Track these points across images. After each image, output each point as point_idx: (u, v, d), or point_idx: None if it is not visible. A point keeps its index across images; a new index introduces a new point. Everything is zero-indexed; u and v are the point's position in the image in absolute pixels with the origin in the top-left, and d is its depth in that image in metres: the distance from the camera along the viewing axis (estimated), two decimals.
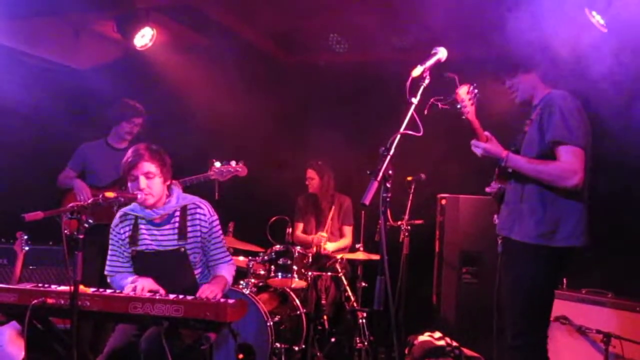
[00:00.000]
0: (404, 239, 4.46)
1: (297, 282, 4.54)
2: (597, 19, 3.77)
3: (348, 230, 5.21)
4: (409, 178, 4.52)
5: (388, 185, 2.26)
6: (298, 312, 4.45)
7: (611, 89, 3.63)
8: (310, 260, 4.74)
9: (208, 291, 2.84)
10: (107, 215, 3.66)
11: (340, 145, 5.30)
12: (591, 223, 2.86)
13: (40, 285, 2.91)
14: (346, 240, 5.17)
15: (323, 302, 4.78)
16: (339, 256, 4.89)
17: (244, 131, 5.55)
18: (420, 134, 2.35)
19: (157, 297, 2.68)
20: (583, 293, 3.90)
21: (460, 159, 3.22)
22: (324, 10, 4.89)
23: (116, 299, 2.70)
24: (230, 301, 2.63)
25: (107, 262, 3.14)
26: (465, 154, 2.96)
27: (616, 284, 3.92)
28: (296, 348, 4.36)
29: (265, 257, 4.61)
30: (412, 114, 2.35)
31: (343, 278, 4.80)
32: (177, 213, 3.09)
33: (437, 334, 4.27)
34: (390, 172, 2.26)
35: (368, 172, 2.25)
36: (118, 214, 3.15)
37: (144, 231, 3.08)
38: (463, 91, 2.72)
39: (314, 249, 4.87)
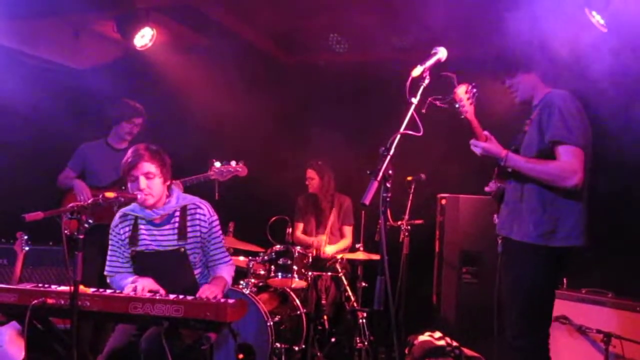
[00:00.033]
0: (404, 238, 4.46)
1: (297, 282, 4.54)
2: (597, 18, 3.77)
3: (348, 230, 5.21)
4: (409, 178, 4.52)
5: (388, 185, 2.26)
6: (298, 312, 4.45)
7: (611, 88, 3.63)
8: (310, 260, 4.74)
9: (208, 291, 2.84)
10: (107, 216, 3.66)
11: (340, 145, 5.30)
12: (591, 223, 2.86)
13: (40, 285, 2.91)
14: (346, 241, 5.17)
15: (323, 302, 4.78)
16: (339, 256, 4.90)
17: (244, 131, 5.55)
18: (420, 134, 2.35)
19: (157, 297, 2.68)
20: (583, 293, 3.90)
21: (460, 159, 3.23)
22: (324, 10, 4.89)
23: (116, 299, 2.70)
24: (231, 301, 2.63)
25: (107, 263, 3.14)
26: (466, 154, 2.96)
27: (616, 284, 3.92)
28: (296, 348, 4.36)
29: (266, 257, 4.61)
30: (412, 114, 2.35)
31: (343, 278, 4.80)
32: (177, 213, 3.09)
33: (437, 334, 4.26)
34: (390, 172, 2.26)
35: (368, 172, 2.25)
36: (118, 214, 3.15)
37: (143, 231, 3.08)
38: (461, 90, 2.72)
39: (314, 251, 4.87)
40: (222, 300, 2.68)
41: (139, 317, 2.64)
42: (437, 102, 2.46)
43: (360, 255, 4.81)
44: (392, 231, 4.40)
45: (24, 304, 2.67)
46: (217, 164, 4.18)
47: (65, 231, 3.60)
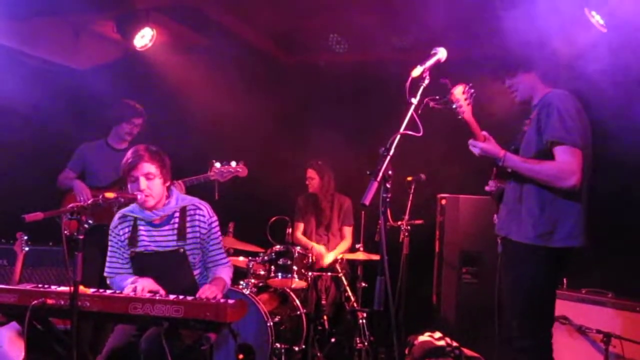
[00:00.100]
0: (404, 239, 4.46)
1: (297, 283, 4.54)
2: (596, 18, 3.77)
3: (348, 230, 5.21)
4: (409, 178, 4.52)
5: (388, 185, 2.26)
6: (298, 313, 4.45)
7: (611, 88, 3.63)
8: (310, 260, 4.74)
9: (208, 291, 2.84)
10: (107, 216, 3.66)
11: (340, 145, 5.30)
12: (591, 223, 2.86)
13: (40, 285, 2.91)
14: (346, 243, 5.15)
15: (323, 302, 4.78)
16: (339, 256, 4.90)
17: (244, 131, 5.55)
18: (420, 134, 2.35)
19: (157, 298, 2.68)
20: (583, 293, 3.90)
21: (460, 159, 3.23)
22: (324, 11, 4.89)
23: (116, 300, 2.70)
24: (230, 301, 2.63)
25: (107, 264, 3.14)
26: (465, 154, 2.96)
27: (616, 284, 3.92)
28: (296, 348, 4.36)
29: (265, 258, 4.61)
30: (412, 114, 2.35)
31: (343, 278, 4.80)
32: (177, 214, 3.09)
33: (437, 334, 4.26)
34: (390, 172, 2.26)
35: (368, 173, 2.25)
36: (117, 216, 3.15)
37: (143, 232, 3.08)
38: (458, 91, 2.72)
39: (313, 258, 4.86)
40: (222, 300, 2.68)
41: (139, 318, 2.64)
42: (432, 104, 2.45)
43: (360, 256, 4.81)
44: (392, 231, 4.40)
45: (23, 304, 2.67)
46: (217, 165, 4.18)
47: (65, 232, 3.60)
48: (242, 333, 3.79)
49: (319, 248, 5.00)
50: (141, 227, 3.08)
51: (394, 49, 5.24)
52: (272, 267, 4.56)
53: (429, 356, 4.10)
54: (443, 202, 4.91)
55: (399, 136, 2.30)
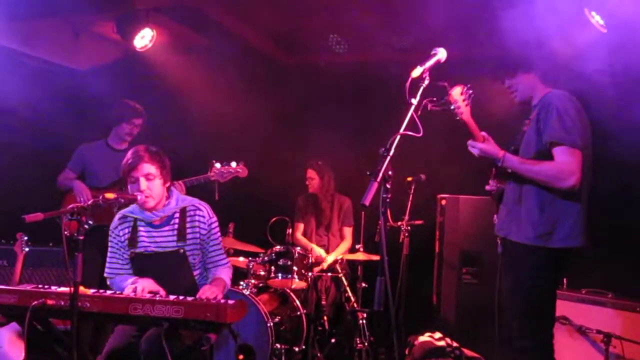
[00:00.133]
0: (404, 239, 4.46)
1: (297, 283, 4.54)
2: (596, 19, 3.77)
3: (348, 231, 5.20)
4: (409, 178, 4.52)
5: (388, 186, 2.26)
6: (298, 313, 4.45)
7: (611, 88, 3.63)
8: (310, 261, 4.74)
9: (208, 292, 2.84)
10: (107, 216, 3.66)
11: (340, 145, 5.30)
12: (591, 223, 2.86)
13: (40, 286, 2.91)
14: (346, 244, 5.15)
15: (323, 302, 4.78)
16: (339, 257, 4.89)
17: (244, 132, 5.55)
18: (420, 134, 2.36)
19: (157, 298, 2.68)
20: (583, 293, 3.90)
21: (460, 159, 3.23)
22: (324, 11, 4.89)
23: (116, 300, 2.70)
24: (231, 302, 2.63)
25: (107, 264, 3.14)
26: (465, 155, 2.96)
27: (616, 284, 3.92)
28: (296, 349, 4.36)
29: (266, 258, 4.61)
30: (412, 115, 2.35)
31: (343, 279, 4.80)
32: (177, 215, 3.09)
33: (438, 335, 4.27)
34: (390, 172, 2.26)
35: (368, 173, 2.25)
36: (117, 216, 3.15)
37: (142, 233, 3.08)
38: (456, 92, 2.71)
39: (314, 259, 4.86)
40: (222, 301, 2.68)
41: (139, 318, 2.64)
42: (430, 105, 2.45)
43: (360, 256, 4.81)
44: (392, 232, 4.40)
45: (24, 305, 2.67)
46: (218, 165, 4.18)
47: (65, 232, 3.60)
48: (242, 333, 3.79)
49: (319, 250, 5.00)
50: (141, 228, 3.08)
51: (393, 50, 5.24)
52: (272, 267, 4.56)
53: (429, 356, 4.10)
54: (443, 202, 4.91)
55: (398, 136, 2.30)
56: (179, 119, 5.69)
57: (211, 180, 4.16)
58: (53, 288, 2.83)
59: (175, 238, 3.06)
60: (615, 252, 4.15)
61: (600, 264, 4.01)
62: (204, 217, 3.09)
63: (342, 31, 5.36)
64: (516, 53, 2.91)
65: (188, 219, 3.08)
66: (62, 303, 2.67)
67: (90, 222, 4.13)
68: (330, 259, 4.93)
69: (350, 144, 5.34)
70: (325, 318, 4.76)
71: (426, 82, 2.42)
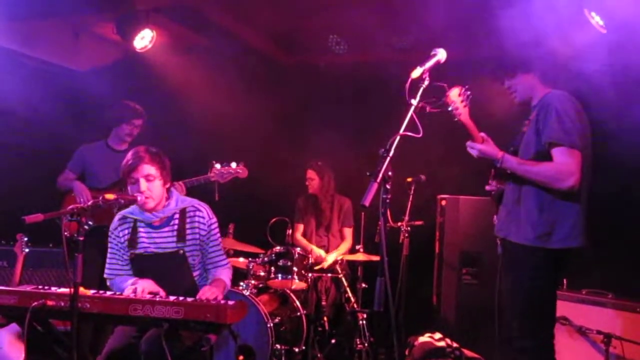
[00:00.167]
0: (404, 240, 4.46)
1: (297, 284, 4.54)
2: (596, 19, 3.77)
3: (348, 232, 5.20)
4: (409, 179, 4.52)
5: (388, 186, 2.26)
6: (298, 314, 4.45)
7: (611, 88, 3.63)
8: (310, 262, 4.74)
9: (209, 292, 2.84)
10: (107, 217, 3.66)
11: (340, 146, 5.30)
12: (591, 223, 2.86)
13: (40, 287, 2.91)
14: (346, 244, 5.15)
15: (323, 303, 4.78)
16: (339, 258, 4.89)
17: (244, 132, 5.55)
18: (420, 135, 2.36)
19: (157, 299, 2.68)
20: (583, 294, 3.90)
21: (460, 160, 3.23)
22: (324, 11, 4.89)
23: (116, 301, 2.70)
24: (231, 303, 2.63)
25: (107, 265, 3.14)
26: (465, 155, 2.96)
27: (616, 285, 3.92)
28: (296, 349, 4.36)
29: (266, 259, 4.62)
30: (412, 116, 2.36)
31: (343, 279, 4.80)
32: (176, 216, 3.09)
33: (438, 335, 4.27)
34: (390, 173, 2.26)
35: (368, 174, 2.25)
36: (117, 217, 3.15)
37: (142, 234, 3.08)
38: (454, 94, 2.71)
39: (313, 260, 4.86)
40: (222, 301, 2.68)
41: (139, 319, 2.64)
42: (428, 107, 2.45)
43: (360, 257, 4.81)
44: (392, 232, 4.40)
45: (24, 305, 2.67)
46: (218, 166, 4.18)
47: (65, 233, 3.59)
48: (242, 334, 3.79)
49: (319, 251, 5.00)
50: (141, 229, 3.08)
51: (393, 50, 5.24)
52: (272, 268, 4.56)
53: (429, 357, 4.10)
54: (443, 203, 4.91)
55: (398, 137, 2.31)
56: (179, 119, 5.69)
57: (211, 181, 4.16)
58: (53, 289, 2.83)
59: (175, 239, 3.06)
60: (615, 252, 4.15)
61: (600, 265, 4.01)
62: (203, 218, 3.09)
63: (342, 31, 5.36)
64: (515, 53, 2.91)
65: (188, 220, 3.08)
66: (62, 304, 2.67)
67: (90, 222, 4.13)
68: (330, 258, 4.93)
69: (350, 144, 5.34)
70: (325, 319, 4.76)
71: (426, 82, 2.42)
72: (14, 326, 3.68)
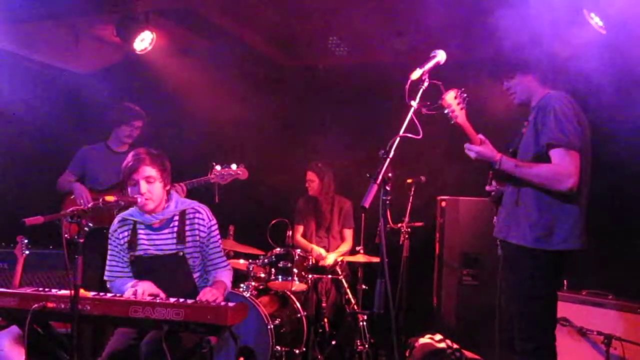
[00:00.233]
0: (404, 241, 4.46)
1: (297, 285, 4.54)
2: (595, 20, 3.77)
3: (349, 233, 5.21)
4: (409, 180, 4.53)
5: (388, 188, 2.26)
6: (298, 315, 4.45)
7: (611, 89, 3.63)
8: (310, 263, 4.74)
9: (209, 294, 2.84)
10: (107, 219, 3.66)
11: (340, 147, 5.30)
12: (591, 224, 2.86)
13: (40, 289, 2.92)
14: (347, 245, 5.15)
15: (323, 304, 4.78)
16: (339, 259, 4.90)
17: (244, 134, 5.56)
18: (420, 136, 2.36)
19: (158, 301, 2.68)
20: (584, 294, 3.90)
21: (460, 161, 3.24)
22: (324, 13, 4.90)
23: (117, 303, 2.70)
24: (231, 304, 2.63)
25: (107, 267, 3.14)
26: (465, 156, 2.96)
27: (617, 285, 3.92)
28: (297, 351, 4.36)
29: (266, 260, 4.62)
30: (412, 117, 2.36)
31: (343, 281, 4.80)
32: (176, 218, 3.09)
33: (438, 337, 4.26)
34: (389, 174, 2.26)
35: (368, 175, 2.25)
36: (116, 219, 3.15)
37: (142, 236, 3.08)
38: (450, 96, 2.71)
39: (313, 260, 4.86)
40: (223, 303, 2.68)
41: (140, 321, 2.64)
42: (424, 110, 2.45)
43: (360, 258, 4.80)
44: (392, 234, 4.41)
45: (24, 308, 2.67)
46: (218, 167, 4.18)
47: (66, 235, 3.61)
48: (243, 336, 3.79)
49: (319, 249, 5.01)
50: (141, 231, 3.08)
51: (393, 52, 5.25)
52: (273, 269, 4.56)
53: (429, 358, 4.10)
54: (443, 204, 4.91)
55: (398, 139, 2.31)
56: (179, 121, 5.70)
57: (211, 183, 4.16)
58: (53, 291, 2.83)
59: (174, 241, 3.06)
60: (615, 253, 4.16)
61: (600, 265, 4.01)
62: (203, 220, 3.09)
63: (342, 33, 5.37)
64: (514, 55, 2.91)
65: (187, 222, 3.08)
66: (63, 306, 2.67)
67: (90, 224, 4.13)
68: (331, 257, 4.94)
69: (350, 145, 5.34)
70: (325, 320, 4.76)
71: (425, 84, 2.43)
72: (14, 328, 3.68)
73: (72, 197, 4.33)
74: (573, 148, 2.71)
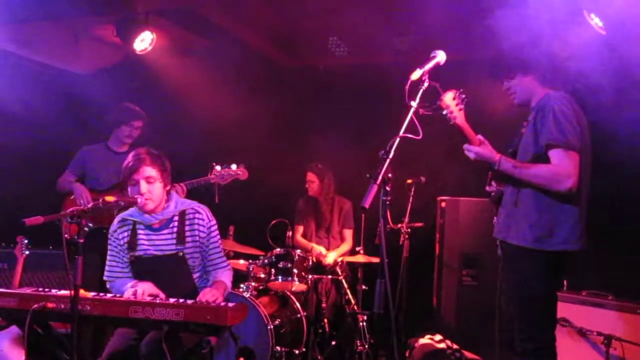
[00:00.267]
0: (404, 241, 4.46)
1: (297, 286, 4.54)
2: (595, 21, 3.77)
3: (349, 233, 5.21)
4: (409, 181, 4.53)
5: (388, 188, 2.26)
6: (298, 316, 4.45)
7: (611, 90, 3.63)
8: (310, 263, 4.74)
9: (209, 294, 2.84)
10: (107, 219, 3.66)
11: (340, 148, 5.30)
12: (591, 224, 2.86)
13: (40, 289, 2.92)
14: (347, 245, 5.15)
15: (323, 305, 4.78)
16: (339, 259, 4.90)
17: (245, 134, 5.56)
18: (420, 137, 2.36)
19: (157, 301, 2.68)
20: (583, 295, 3.90)
21: (460, 161, 3.24)
22: (324, 13, 4.90)
23: (116, 303, 2.70)
24: (231, 305, 2.63)
25: (106, 268, 3.14)
26: (465, 157, 2.96)
27: (617, 286, 3.93)
28: (297, 351, 4.36)
29: (266, 261, 4.62)
30: (412, 117, 2.36)
31: (343, 281, 4.80)
32: (176, 218, 3.09)
33: (438, 337, 4.26)
34: (389, 175, 2.26)
35: (368, 176, 2.25)
36: (116, 219, 3.15)
37: (142, 236, 3.08)
38: (448, 97, 2.71)
39: (314, 258, 4.86)
40: (223, 303, 2.68)
41: (139, 321, 2.64)
42: (422, 111, 2.45)
43: (360, 259, 4.81)
44: (392, 234, 4.41)
45: (24, 308, 2.67)
46: (218, 168, 4.18)
47: (66, 235, 3.60)
48: (243, 336, 3.79)
49: (319, 248, 5.02)
50: (140, 231, 3.08)
51: (393, 52, 5.25)
52: (273, 270, 4.56)
53: (429, 359, 4.10)
54: (443, 204, 4.91)
55: (398, 139, 2.31)
56: (179, 121, 5.70)
57: (211, 183, 4.16)
58: (53, 291, 2.83)
59: (174, 241, 3.06)
60: (615, 253, 4.15)
61: (600, 266, 4.01)
62: (203, 220, 3.09)
63: (342, 33, 5.37)
64: (514, 55, 2.91)
65: (187, 222, 3.08)
66: (63, 306, 2.68)
67: (90, 224, 4.13)
68: (331, 256, 4.94)
69: (350, 146, 5.34)
70: (325, 320, 4.76)
71: (425, 84, 2.43)
72: (14, 329, 3.68)
73: (72, 197, 4.33)
74: (572, 148, 2.71)
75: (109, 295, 2.85)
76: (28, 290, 2.87)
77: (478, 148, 2.82)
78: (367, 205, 2.21)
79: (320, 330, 4.71)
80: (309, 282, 4.64)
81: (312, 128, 5.51)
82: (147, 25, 5.03)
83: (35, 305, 2.66)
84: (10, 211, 3.83)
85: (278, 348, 4.16)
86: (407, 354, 4.25)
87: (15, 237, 4.07)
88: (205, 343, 2.73)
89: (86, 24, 5.38)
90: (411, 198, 4.49)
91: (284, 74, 6.09)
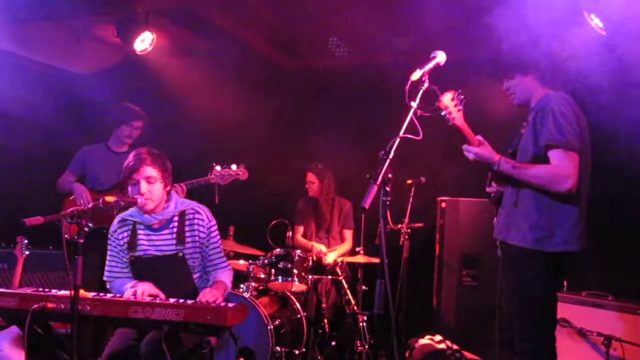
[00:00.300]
0: (404, 242, 4.46)
1: (297, 286, 4.54)
2: (595, 21, 3.77)
3: (349, 234, 5.21)
4: (409, 181, 4.53)
5: (388, 188, 2.26)
6: (298, 316, 4.45)
7: (610, 90, 3.63)
8: (310, 264, 4.74)
9: (209, 295, 2.84)
10: (107, 219, 3.66)
11: (340, 148, 5.30)
12: (591, 225, 2.86)
13: (40, 289, 2.92)
14: (347, 245, 5.16)
15: (323, 305, 4.78)
16: (339, 259, 4.90)
17: (245, 134, 5.56)
18: (420, 137, 2.36)
19: (157, 302, 2.68)
20: (583, 295, 3.90)
21: (460, 162, 3.24)
22: (324, 14, 4.90)
23: (116, 303, 2.70)
24: (231, 305, 2.63)
25: (106, 268, 3.14)
26: (465, 157, 2.96)
27: (616, 286, 3.92)
28: (297, 352, 4.36)
29: (266, 261, 4.62)
30: (412, 118, 2.36)
31: (343, 281, 4.80)
32: (176, 218, 3.09)
33: (438, 337, 4.26)
34: (389, 175, 2.26)
35: (368, 176, 2.26)
36: (116, 219, 3.15)
37: (142, 236, 3.08)
38: (447, 98, 2.71)
39: (314, 257, 4.87)
40: (223, 304, 2.68)
41: (139, 321, 2.64)
42: (420, 112, 2.45)
43: (360, 259, 4.81)
44: (392, 234, 4.41)
45: (24, 308, 2.67)
46: (218, 168, 4.18)
47: (66, 235, 3.60)
48: (243, 336, 3.79)
49: (319, 246, 5.02)
50: (140, 231, 3.08)
51: (393, 53, 5.25)
52: (273, 270, 4.56)
53: (429, 359, 4.10)
54: (443, 205, 4.91)
55: (398, 139, 2.31)
56: (179, 121, 5.70)
57: (211, 183, 4.16)
58: (53, 291, 2.83)
59: (174, 242, 3.06)
60: (615, 253, 4.15)
61: (600, 266, 4.01)
62: (202, 220, 3.09)
63: (342, 34, 5.37)
64: (514, 55, 2.90)
65: (187, 223, 3.08)
66: (63, 306, 2.68)
67: (90, 224, 4.13)
68: (331, 255, 4.95)
69: (350, 146, 5.34)
70: (325, 321, 4.76)
71: (425, 85, 2.43)
72: (14, 329, 3.68)
73: (72, 197, 4.33)
74: (572, 149, 2.71)
75: (109, 295, 2.85)
76: (28, 291, 2.87)
77: (477, 149, 2.82)
78: (367, 206, 2.21)
79: (320, 331, 4.71)
80: (309, 282, 4.64)
81: (312, 128, 5.51)
82: (147, 25, 5.03)
83: (35, 306, 2.66)
84: (10, 211, 3.83)
85: (278, 348, 4.16)
86: (407, 355, 4.25)
87: (15, 237, 4.07)
88: (205, 343, 2.73)
89: (86, 24, 5.39)
90: (411, 198, 4.49)
91: (283, 74, 6.09)
